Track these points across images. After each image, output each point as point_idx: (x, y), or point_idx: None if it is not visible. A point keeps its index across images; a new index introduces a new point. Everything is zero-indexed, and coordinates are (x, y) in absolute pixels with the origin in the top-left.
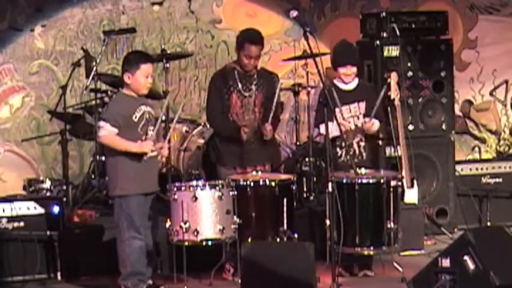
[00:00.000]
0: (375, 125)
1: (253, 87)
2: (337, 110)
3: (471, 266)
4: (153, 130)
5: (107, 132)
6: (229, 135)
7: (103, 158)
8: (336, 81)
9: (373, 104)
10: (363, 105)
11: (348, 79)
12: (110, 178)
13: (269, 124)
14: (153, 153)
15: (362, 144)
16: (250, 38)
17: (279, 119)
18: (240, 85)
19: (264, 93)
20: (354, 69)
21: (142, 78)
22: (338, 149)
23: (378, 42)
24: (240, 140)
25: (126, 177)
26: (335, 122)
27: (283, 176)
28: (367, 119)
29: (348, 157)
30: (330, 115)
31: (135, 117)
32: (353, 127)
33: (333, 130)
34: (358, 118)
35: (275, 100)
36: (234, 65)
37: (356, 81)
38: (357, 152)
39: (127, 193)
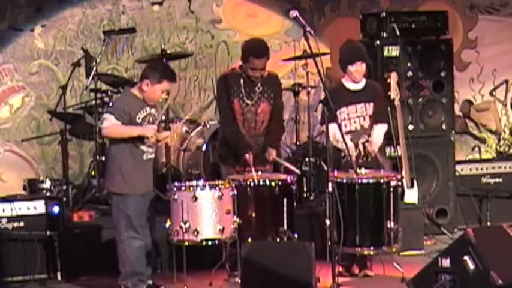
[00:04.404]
0: (377, 144)
1: (257, 96)
2: (342, 109)
3: (471, 266)
4: None
5: (110, 123)
6: (235, 148)
7: (103, 158)
8: (344, 81)
9: (378, 105)
10: (370, 105)
11: (358, 77)
12: (108, 174)
13: (273, 150)
14: (153, 139)
15: (367, 145)
16: (255, 52)
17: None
18: (243, 92)
19: (271, 100)
20: (364, 66)
21: (159, 91)
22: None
23: (378, 42)
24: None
25: (122, 175)
26: (336, 125)
27: (283, 176)
28: (367, 140)
29: (349, 157)
30: (332, 116)
31: (139, 118)
32: (358, 128)
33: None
34: (364, 119)
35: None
36: (240, 71)
37: (363, 81)
38: (362, 153)
39: (122, 192)
